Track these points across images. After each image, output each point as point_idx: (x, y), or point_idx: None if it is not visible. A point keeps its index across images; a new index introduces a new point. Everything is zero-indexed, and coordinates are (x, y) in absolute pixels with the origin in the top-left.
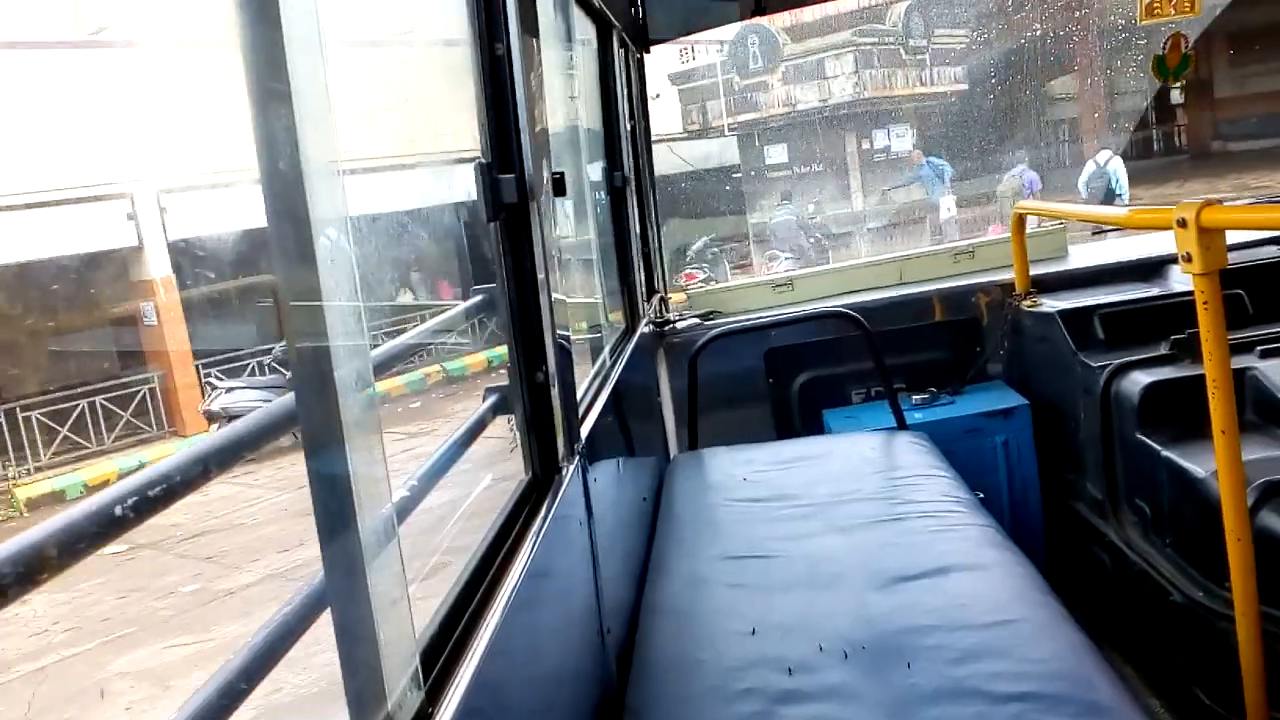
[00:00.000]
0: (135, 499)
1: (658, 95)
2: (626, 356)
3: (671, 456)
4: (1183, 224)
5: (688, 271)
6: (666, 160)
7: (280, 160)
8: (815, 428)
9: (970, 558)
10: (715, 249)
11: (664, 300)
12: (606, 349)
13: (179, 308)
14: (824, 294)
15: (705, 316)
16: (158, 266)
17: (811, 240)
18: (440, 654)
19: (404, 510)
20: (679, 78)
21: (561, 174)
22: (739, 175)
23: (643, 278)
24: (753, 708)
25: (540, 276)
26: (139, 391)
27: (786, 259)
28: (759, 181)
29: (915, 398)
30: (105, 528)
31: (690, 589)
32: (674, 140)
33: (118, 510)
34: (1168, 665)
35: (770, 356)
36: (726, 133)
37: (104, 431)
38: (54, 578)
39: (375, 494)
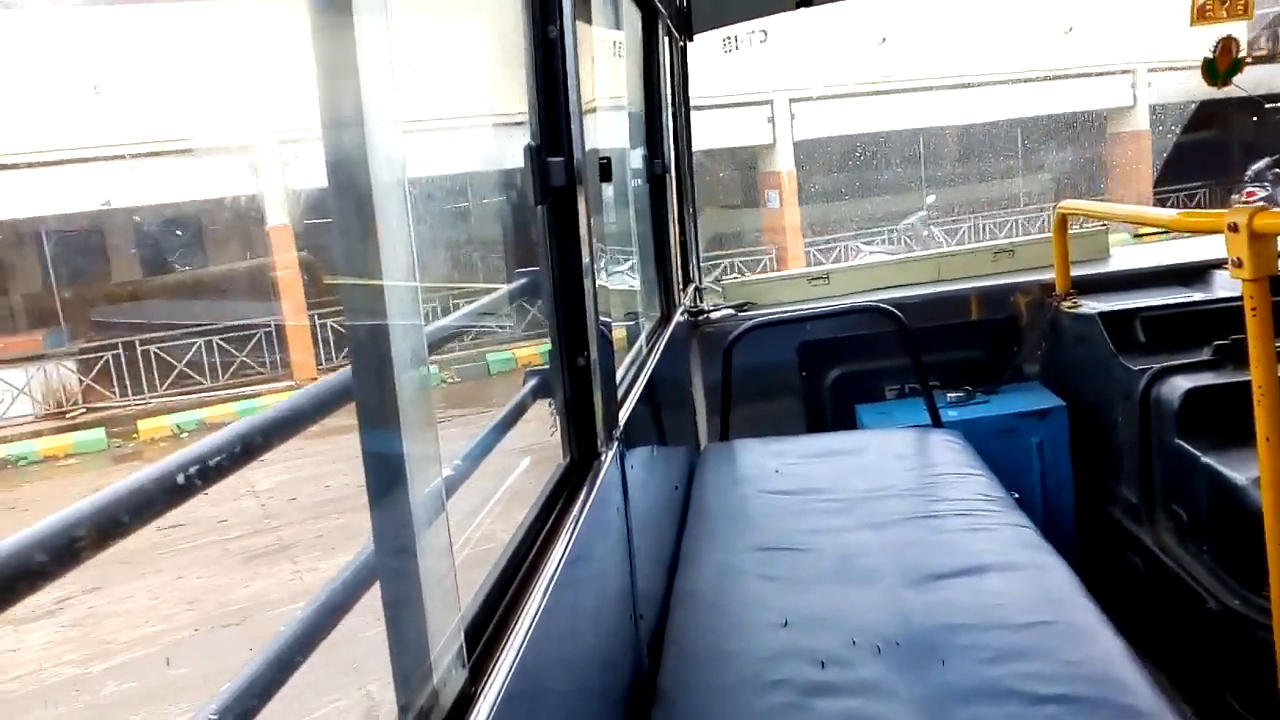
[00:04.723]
0: (197, 467)
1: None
2: (662, 345)
3: (702, 447)
4: (1234, 228)
5: (1248, 190)
6: (1184, 86)
7: (343, 120)
8: (847, 423)
9: (1006, 557)
10: (1276, 170)
11: (699, 290)
12: (643, 337)
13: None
14: (859, 289)
15: (739, 308)
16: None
17: None
18: (483, 634)
19: (448, 490)
20: None
21: (608, 159)
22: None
23: (679, 267)
24: (784, 699)
25: (585, 261)
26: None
27: None
28: None
29: (950, 395)
30: (172, 494)
31: (722, 579)
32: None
33: (180, 478)
34: (1200, 672)
35: (804, 350)
36: None
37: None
38: (121, 541)
39: (427, 471)
